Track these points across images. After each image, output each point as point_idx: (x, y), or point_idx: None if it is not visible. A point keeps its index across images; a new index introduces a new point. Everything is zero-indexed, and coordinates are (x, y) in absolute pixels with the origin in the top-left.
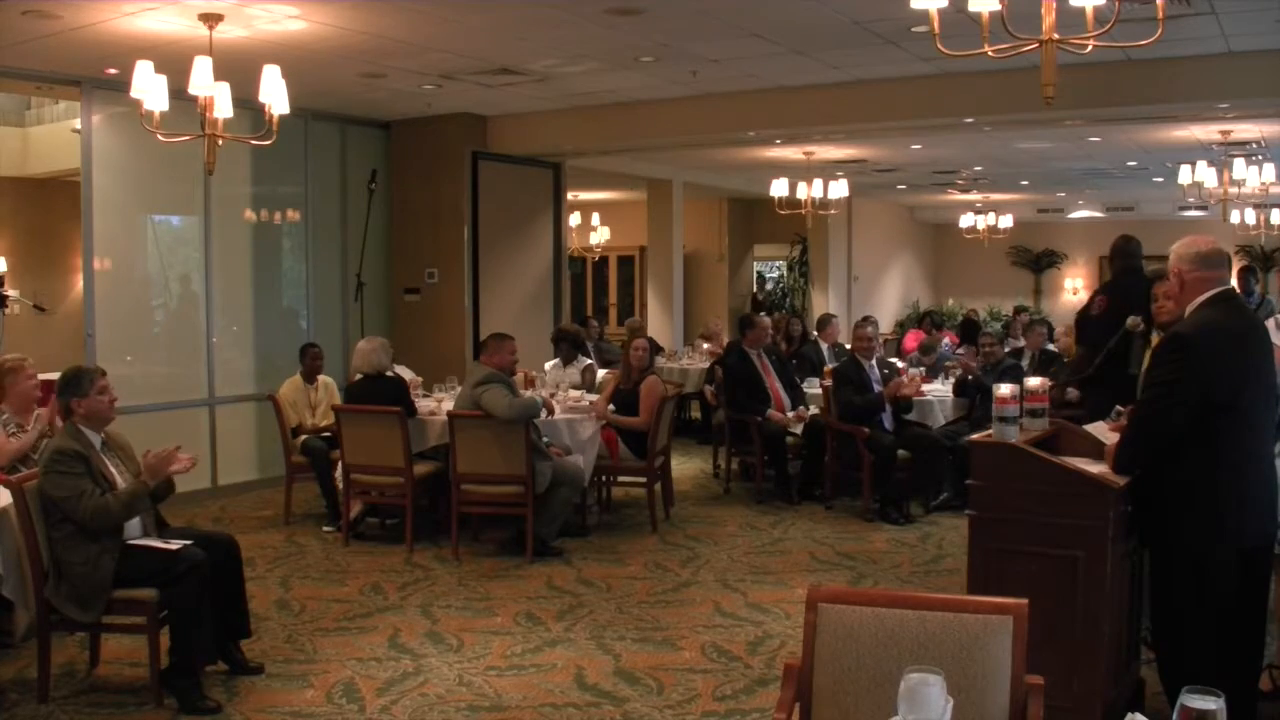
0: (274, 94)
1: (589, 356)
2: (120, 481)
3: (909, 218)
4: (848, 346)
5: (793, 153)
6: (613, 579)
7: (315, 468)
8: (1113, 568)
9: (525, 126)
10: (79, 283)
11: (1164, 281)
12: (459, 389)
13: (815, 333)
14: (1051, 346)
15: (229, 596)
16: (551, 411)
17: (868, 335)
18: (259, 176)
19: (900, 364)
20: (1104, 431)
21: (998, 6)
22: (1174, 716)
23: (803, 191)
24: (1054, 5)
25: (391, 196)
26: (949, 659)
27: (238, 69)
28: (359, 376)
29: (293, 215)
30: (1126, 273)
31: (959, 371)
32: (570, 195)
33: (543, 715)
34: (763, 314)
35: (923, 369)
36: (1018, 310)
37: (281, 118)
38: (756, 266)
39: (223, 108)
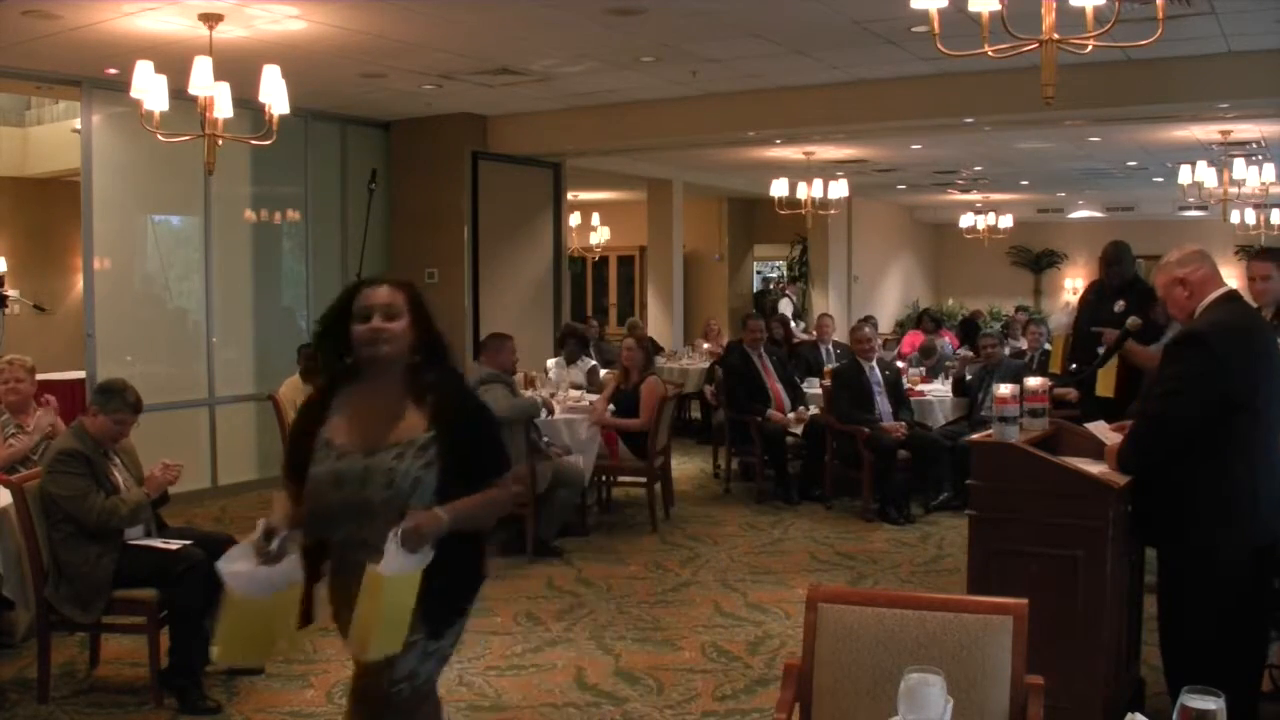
0: (274, 94)
1: (592, 358)
2: (123, 483)
3: (909, 218)
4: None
5: (793, 153)
6: (613, 579)
7: None
8: (1113, 568)
9: (525, 126)
10: (79, 283)
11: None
12: None
13: (813, 332)
14: (1049, 346)
15: None
16: (552, 411)
17: (865, 336)
18: (259, 176)
19: (901, 364)
20: (1104, 431)
21: (998, 6)
22: (1174, 716)
23: (803, 191)
24: (1054, 5)
25: (391, 196)
26: (949, 659)
27: (238, 69)
28: None
29: (293, 215)
30: (1135, 278)
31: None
32: (570, 195)
33: (543, 715)
34: (754, 314)
35: (923, 369)
36: (1018, 310)
37: (281, 118)
38: (756, 266)
39: (223, 108)
